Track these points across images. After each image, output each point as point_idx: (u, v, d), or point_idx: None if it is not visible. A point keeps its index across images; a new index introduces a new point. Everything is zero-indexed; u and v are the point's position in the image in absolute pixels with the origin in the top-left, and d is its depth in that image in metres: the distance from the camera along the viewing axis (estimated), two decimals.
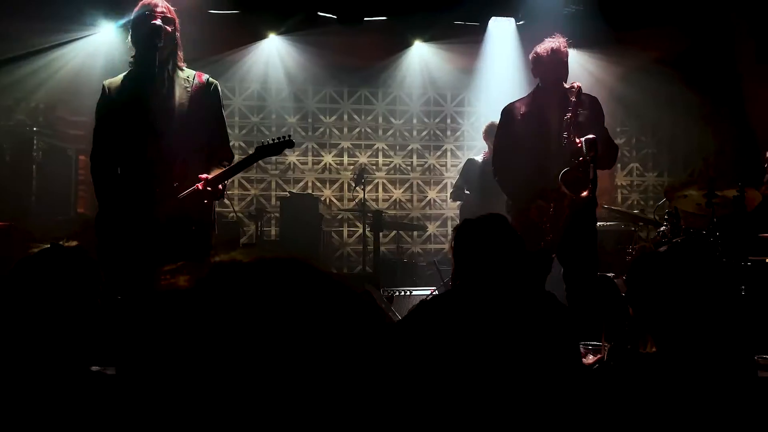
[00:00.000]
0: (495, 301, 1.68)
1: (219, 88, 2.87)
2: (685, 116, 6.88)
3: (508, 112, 3.49)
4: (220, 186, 2.70)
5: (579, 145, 3.11)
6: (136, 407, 0.55)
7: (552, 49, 3.32)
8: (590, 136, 3.12)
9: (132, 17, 2.76)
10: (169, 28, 2.70)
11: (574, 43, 3.47)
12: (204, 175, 2.68)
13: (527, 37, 6.42)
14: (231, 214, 6.27)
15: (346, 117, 7.23)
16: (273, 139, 2.80)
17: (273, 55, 6.74)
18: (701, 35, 6.11)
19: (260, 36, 6.61)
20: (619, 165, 7.30)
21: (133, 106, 2.68)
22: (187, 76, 2.79)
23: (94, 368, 1.37)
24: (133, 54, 2.76)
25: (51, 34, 5.72)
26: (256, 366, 0.50)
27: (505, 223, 1.82)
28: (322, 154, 7.17)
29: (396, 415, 0.54)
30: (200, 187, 2.65)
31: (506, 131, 3.47)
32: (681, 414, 1.42)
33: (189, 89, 2.75)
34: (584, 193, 3.06)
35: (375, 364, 0.53)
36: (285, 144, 2.78)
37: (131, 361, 0.57)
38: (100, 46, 5.91)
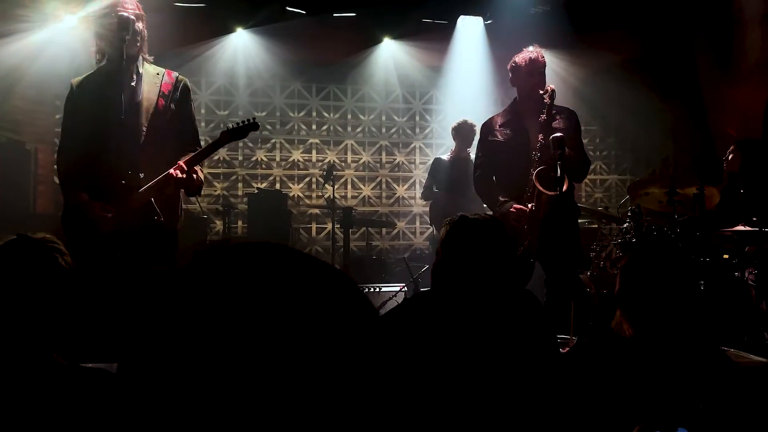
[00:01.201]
0: (478, 300, 1.70)
1: (189, 86, 2.87)
2: (647, 117, 7.07)
3: (486, 124, 3.56)
4: (194, 176, 2.67)
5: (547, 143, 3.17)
6: (129, 400, 0.53)
7: (530, 58, 3.37)
8: (557, 134, 3.16)
9: (100, 12, 2.72)
10: (139, 25, 2.70)
11: (541, 43, 3.52)
12: (180, 162, 2.66)
13: (495, 37, 6.51)
14: (197, 211, 6.18)
15: (314, 113, 7.19)
16: (238, 123, 2.81)
17: (240, 49, 6.66)
18: (663, 39, 6.27)
19: (227, 30, 6.52)
20: None
21: (100, 100, 2.65)
22: (157, 72, 2.79)
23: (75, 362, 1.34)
24: (97, 51, 2.73)
25: (8, 24, 5.52)
26: (254, 356, 0.49)
27: (502, 228, 1.83)
28: (291, 150, 7.12)
29: (387, 407, 0.54)
30: (173, 172, 2.62)
31: (485, 143, 3.52)
32: (656, 390, 1.49)
33: (158, 85, 2.74)
34: (558, 191, 3.10)
35: (370, 356, 0.53)
36: (250, 126, 2.79)
37: (129, 354, 0.54)
38: (61, 38, 5.74)
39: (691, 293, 1.61)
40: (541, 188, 3.15)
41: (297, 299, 0.51)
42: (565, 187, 3.06)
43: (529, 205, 3.22)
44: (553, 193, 3.11)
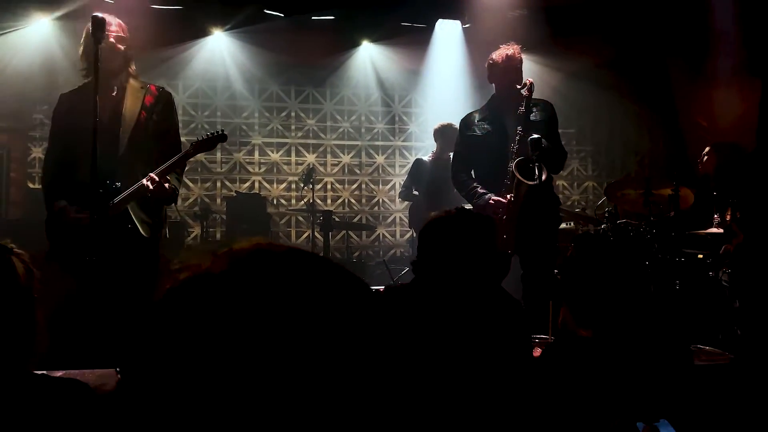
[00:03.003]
0: (452, 296, 1.70)
1: (172, 99, 2.98)
2: (622, 119, 7.17)
3: (465, 120, 3.61)
4: (167, 185, 2.73)
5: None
6: (138, 409, 0.52)
7: (507, 55, 3.42)
8: (534, 135, 3.20)
9: (86, 31, 2.76)
10: (114, 30, 2.77)
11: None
12: (152, 174, 2.74)
13: (473, 40, 6.55)
14: (175, 215, 6.12)
15: (293, 116, 7.17)
16: (206, 135, 2.88)
17: (218, 52, 6.62)
18: (636, 43, 6.37)
19: (205, 32, 6.47)
20: None
21: (83, 112, 2.70)
22: (141, 86, 2.89)
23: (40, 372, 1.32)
24: (84, 68, 2.81)
25: None
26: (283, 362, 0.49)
27: (481, 221, 1.84)
28: (270, 153, 7.09)
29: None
30: (145, 183, 2.69)
31: (464, 138, 3.57)
32: (612, 392, 1.50)
33: (141, 99, 2.84)
34: (536, 181, 3.14)
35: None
36: (218, 138, 2.87)
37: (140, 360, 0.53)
38: (34, 40, 5.65)
39: (638, 290, 1.61)
40: (520, 178, 3.19)
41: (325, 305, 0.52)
42: (543, 177, 3.11)
43: (509, 196, 3.26)
44: (532, 183, 3.15)
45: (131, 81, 2.87)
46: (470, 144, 3.52)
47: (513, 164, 3.24)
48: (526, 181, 3.19)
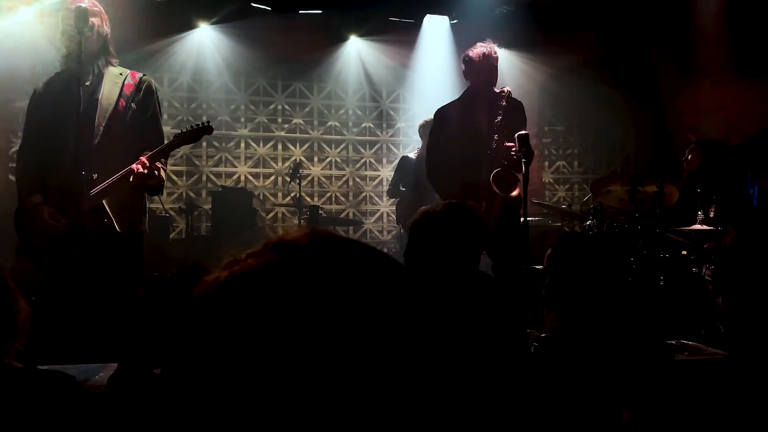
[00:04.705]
0: (441, 285, 1.70)
1: (154, 87, 2.81)
2: (608, 116, 7.21)
3: (439, 114, 3.64)
4: (156, 172, 2.62)
5: (511, 146, 3.25)
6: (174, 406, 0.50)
7: (483, 53, 3.46)
8: (522, 132, 3.24)
9: (61, 9, 2.69)
10: (98, 21, 2.66)
11: (505, 43, 3.62)
12: (143, 157, 2.60)
13: (461, 36, 6.55)
14: (159, 209, 6.06)
15: (280, 111, 7.13)
16: (191, 126, 2.77)
17: (204, 45, 6.55)
18: (623, 41, 6.41)
19: (191, 25, 6.40)
20: (546, 162, 7.57)
21: (59, 100, 2.62)
22: (120, 72, 2.74)
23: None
24: (64, 48, 2.69)
25: None
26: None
27: (472, 217, 1.83)
28: (256, 147, 7.05)
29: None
30: (135, 167, 2.56)
31: (438, 133, 3.61)
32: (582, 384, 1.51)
33: (119, 85, 2.69)
34: (515, 192, 3.18)
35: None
36: (203, 130, 2.75)
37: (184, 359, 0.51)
38: (17, 30, 5.55)
39: (617, 286, 1.63)
40: (497, 190, 3.25)
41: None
42: (516, 192, 3.16)
43: (483, 203, 3.30)
44: (514, 193, 3.20)
45: (110, 67, 2.72)
46: (444, 141, 3.55)
47: (492, 176, 3.28)
48: (501, 193, 3.24)
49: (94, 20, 2.63)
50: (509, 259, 3.39)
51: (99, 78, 2.68)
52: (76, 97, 2.56)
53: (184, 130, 2.77)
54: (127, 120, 2.68)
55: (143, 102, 2.75)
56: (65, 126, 2.57)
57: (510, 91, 3.42)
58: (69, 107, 2.57)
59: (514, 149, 3.24)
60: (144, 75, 2.80)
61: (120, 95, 2.67)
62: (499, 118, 3.35)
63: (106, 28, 2.72)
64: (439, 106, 3.68)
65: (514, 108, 3.51)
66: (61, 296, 2.47)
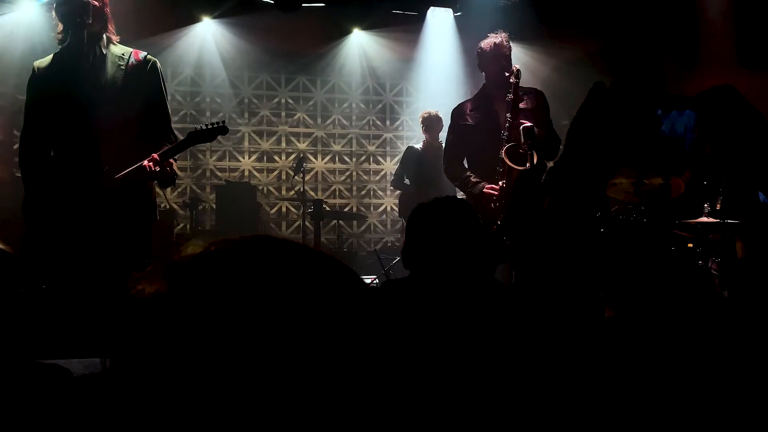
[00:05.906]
0: (448, 284, 1.67)
1: (158, 66, 2.71)
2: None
3: (457, 109, 3.66)
4: (168, 168, 2.59)
5: (525, 122, 3.26)
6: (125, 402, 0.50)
7: (494, 43, 3.48)
8: (527, 123, 3.24)
9: None
10: (97, 3, 2.58)
11: (509, 35, 3.62)
12: (155, 154, 2.56)
13: (464, 28, 6.52)
14: (163, 204, 6.06)
15: (283, 104, 7.11)
16: (206, 125, 2.72)
17: (207, 39, 6.54)
18: (628, 33, 6.36)
19: (194, 19, 6.39)
20: None
21: (61, 83, 2.56)
22: (122, 53, 2.65)
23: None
24: (60, 31, 2.61)
25: None
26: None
27: (466, 207, 1.81)
28: (260, 141, 7.04)
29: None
30: (147, 164, 2.52)
31: (456, 127, 3.63)
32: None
33: (123, 66, 2.62)
34: (527, 165, 3.17)
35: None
36: (218, 130, 2.70)
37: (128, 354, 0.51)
38: (19, 26, 5.55)
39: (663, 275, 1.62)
40: (510, 164, 3.23)
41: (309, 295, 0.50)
42: (535, 160, 3.13)
43: (501, 183, 3.29)
44: (522, 167, 3.19)
45: (111, 46, 2.63)
46: (463, 133, 3.56)
47: (503, 151, 3.27)
48: (516, 167, 3.22)
49: (96, 3, 2.57)
50: (528, 238, 3.35)
51: (101, 59, 2.59)
52: (79, 81, 2.51)
53: (198, 129, 2.70)
54: (132, 101, 2.59)
55: (148, 83, 2.66)
56: (67, 110, 2.53)
57: (519, 69, 3.42)
58: (70, 91, 2.52)
59: (519, 141, 3.22)
60: (147, 54, 2.70)
61: (124, 76, 2.59)
62: (510, 96, 3.34)
63: (107, 9, 2.64)
64: (457, 103, 3.71)
65: (532, 93, 3.54)
66: (67, 289, 2.46)
